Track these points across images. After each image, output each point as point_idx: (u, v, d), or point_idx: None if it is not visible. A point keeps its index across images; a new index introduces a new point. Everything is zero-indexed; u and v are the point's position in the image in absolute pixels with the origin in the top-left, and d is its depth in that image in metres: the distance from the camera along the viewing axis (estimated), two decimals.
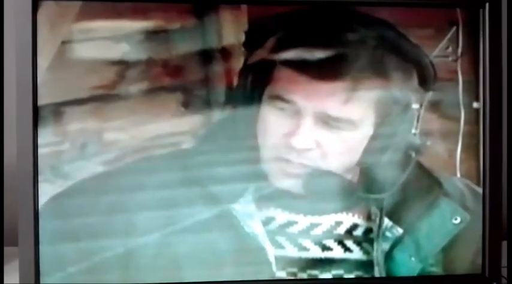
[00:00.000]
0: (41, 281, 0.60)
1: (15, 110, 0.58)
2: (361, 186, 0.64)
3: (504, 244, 0.67)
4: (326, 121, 0.61)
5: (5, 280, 0.64)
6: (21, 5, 0.58)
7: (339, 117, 0.60)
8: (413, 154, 0.64)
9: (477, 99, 0.65)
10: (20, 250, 0.59)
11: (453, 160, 0.65)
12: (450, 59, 0.64)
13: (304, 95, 0.60)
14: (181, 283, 0.62)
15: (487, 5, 0.64)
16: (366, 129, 0.62)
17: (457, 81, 0.64)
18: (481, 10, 0.64)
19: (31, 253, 0.59)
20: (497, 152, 0.64)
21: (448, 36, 0.64)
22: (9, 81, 0.62)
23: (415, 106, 0.63)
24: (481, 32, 0.64)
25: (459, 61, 0.64)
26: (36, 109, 0.59)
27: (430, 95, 0.64)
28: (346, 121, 0.61)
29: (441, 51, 0.64)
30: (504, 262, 0.67)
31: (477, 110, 0.65)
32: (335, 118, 0.60)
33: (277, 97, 0.61)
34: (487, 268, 0.64)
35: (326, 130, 0.61)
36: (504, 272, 0.67)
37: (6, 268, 0.66)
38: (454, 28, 0.64)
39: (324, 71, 0.60)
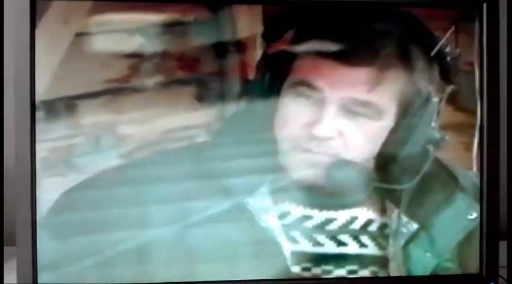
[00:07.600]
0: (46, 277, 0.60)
1: (13, 108, 0.58)
2: (380, 178, 0.63)
3: (504, 243, 0.66)
4: (350, 108, 0.60)
5: (5, 279, 0.64)
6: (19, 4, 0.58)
7: (365, 102, 0.60)
8: (431, 149, 0.63)
9: None
10: (17, 247, 0.58)
11: (470, 154, 0.64)
12: (448, 58, 0.63)
13: (329, 80, 0.60)
14: (195, 282, 0.62)
15: (485, 5, 0.63)
16: (388, 120, 0.62)
17: (473, 73, 0.63)
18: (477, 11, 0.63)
19: (29, 251, 0.58)
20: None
21: (446, 36, 0.63)
22: (9, 81, 0.62)
23: (435, 99, 0.63)
24: (478, 32, 0.63)
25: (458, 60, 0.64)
26: (33, 107, 0.59)
27: (450, 88, 0.63)
28: (371, 107, 0.60)
29: (440, 50, 0.63)
30: (504, 262, 0.66)
31: None
32: (360, 103, 0.60)
33: (302, 84, 0.61)
34: (484, 267, 0.64)
35: (349, 118, 0.61)
36: (502, 272, 0.66)
37: (6, 268, 0.65)
38: (452, 28, 0.63)
39: (350, 56, 0.60)
